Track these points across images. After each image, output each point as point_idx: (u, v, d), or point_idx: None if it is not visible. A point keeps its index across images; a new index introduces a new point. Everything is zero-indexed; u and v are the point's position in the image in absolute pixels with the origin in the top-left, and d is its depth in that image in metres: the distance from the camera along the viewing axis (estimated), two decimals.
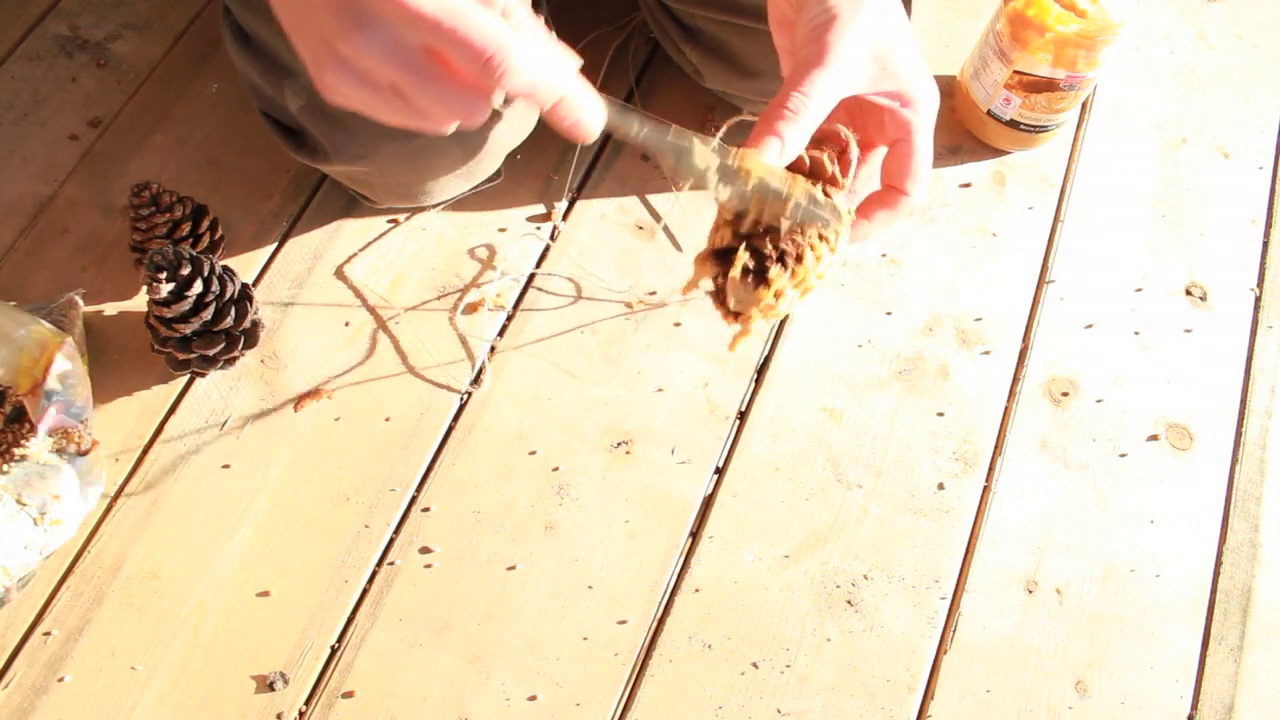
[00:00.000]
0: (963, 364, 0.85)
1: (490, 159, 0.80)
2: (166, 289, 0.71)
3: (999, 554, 0.78)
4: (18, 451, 0.69)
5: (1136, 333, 0.87)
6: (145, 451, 0.77)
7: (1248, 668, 0.76)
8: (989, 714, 0.73)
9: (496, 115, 0.76)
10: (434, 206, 0.87)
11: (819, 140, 0.51)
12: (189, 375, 0.79)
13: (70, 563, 0.73)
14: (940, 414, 0.82)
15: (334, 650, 0.72)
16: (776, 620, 0.75)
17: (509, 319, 0.84)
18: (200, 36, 0.94)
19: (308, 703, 0.70)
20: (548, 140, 0.89)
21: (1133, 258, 0.91)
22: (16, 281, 0.82)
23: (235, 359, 0.78)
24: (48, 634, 0.71)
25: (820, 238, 0.49)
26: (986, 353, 0.85)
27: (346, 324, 0.83)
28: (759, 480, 0.79)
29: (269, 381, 0.80)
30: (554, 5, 0.79)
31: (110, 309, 0.81)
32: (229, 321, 0.74)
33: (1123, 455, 0.82)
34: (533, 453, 0.79)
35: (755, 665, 0.73)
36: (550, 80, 0.44)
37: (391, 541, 0.75)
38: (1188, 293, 0.90)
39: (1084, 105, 0.98)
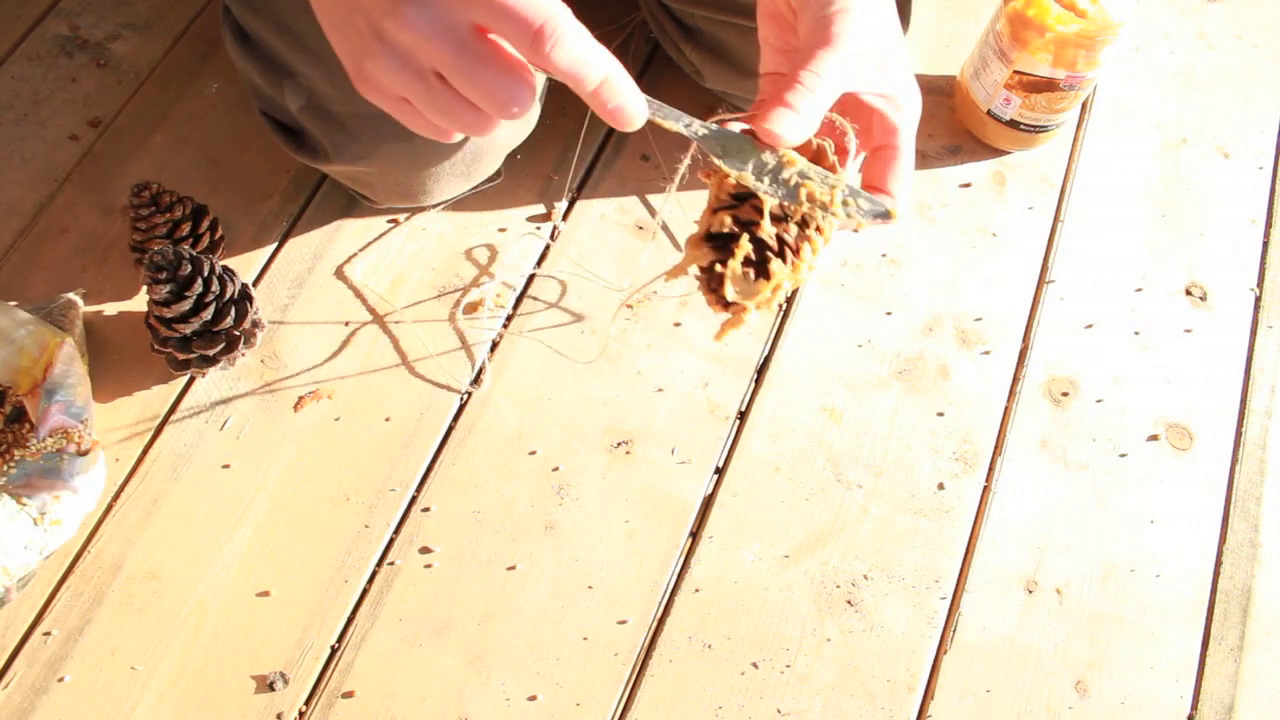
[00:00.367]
0: (963, 364, 0.85)
1: (490, 159, 0.80)
2: (165, 289, 0.71)
3: (999, 554, 0.78)
4: (18, 451, 0.69)
5: (1136, 333, 0.87)
6: (145, 452, 0.77)
7: (1248, 668, 0.76)
8: (989, 714, 0.73)
9: None
10: (434, 206, 0.87)
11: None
12: (189, 375, 0.79)
13: (70, 563, 0.73)
14: (940, 414, 0.82)
15: (334, 650, 0.72)
16: (776, 620, 0.75)
17: (509, 319, 0.84)
18: (200, 36, 0.94)
19: (308, 703, 0.70)
20: (548, 140, 0.89)
21: (1133, 258, 0.91)
22: (16, 281, 0.82)
23: (235, 359, 0.78)
24: (48, 634, 0.71)
25: (817, 229, 0.49)
26: (986, 353, 0.85)
27: (346, 324, 0.83)
28: (759, 480, 0.79)
29: (269, 382, 0.80)
30: None
31: (110, 309, 0.81)
32: (229, 321, 0.74)
33: (1123, 455, 0.82)
34: (533, 453, 0.79)
35: (755, 665, 0.73)
36: (597, 59, 0.43)
37: (391, 541, 0.75)
38: (1188, 293, 0.90)
39: (1084, 105, 0.98)
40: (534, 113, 0.81)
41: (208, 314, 0.73)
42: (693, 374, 0.82)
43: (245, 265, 0.84)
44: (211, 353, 0.75)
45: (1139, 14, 1.02)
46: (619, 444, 0.80)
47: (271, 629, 0.72)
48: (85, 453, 0.70)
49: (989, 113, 0.90)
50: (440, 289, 0.84)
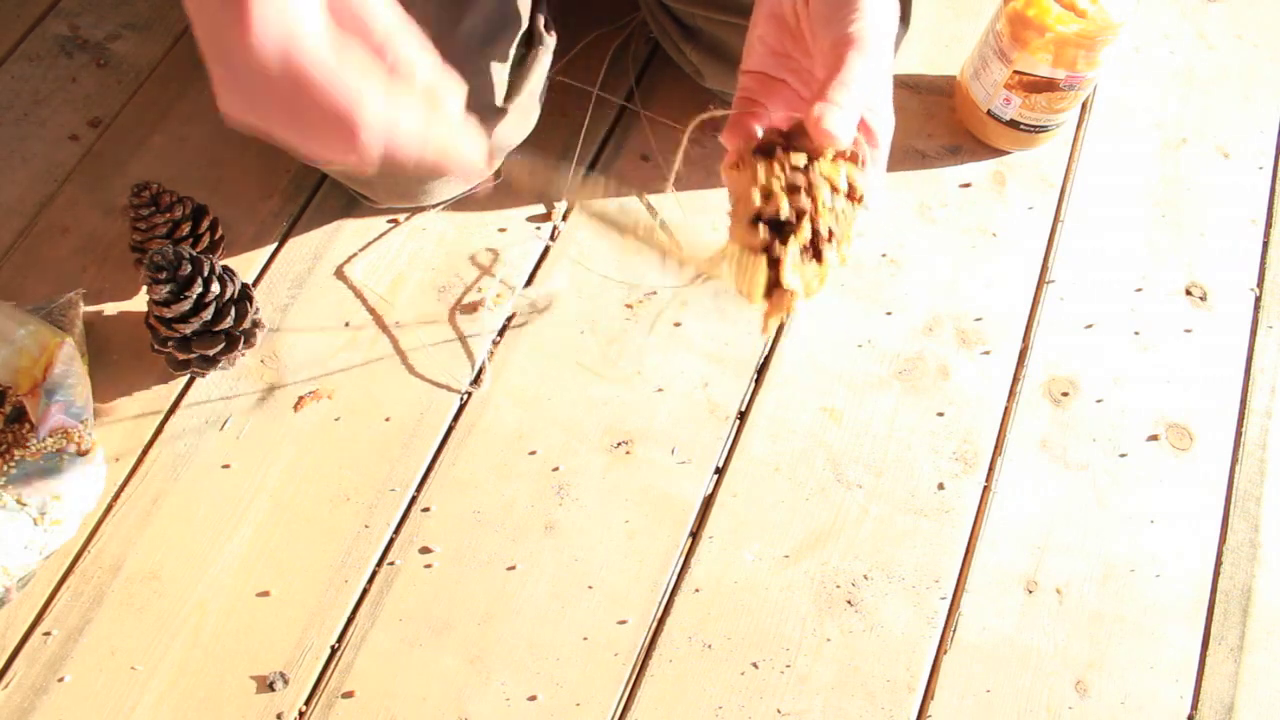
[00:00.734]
0: (963, 364, 0.85)
1: (490, 160, 0.80)
2: (165, 289, 0.71)
3: (999, 554, 0.78)
4: (18, 451, 0.69)
5: (1136, 333, 0.87)
6: (145, 451, 0.77)
7: (1248, 668, 0.76)
8: (989, 714, 0.73)
9: (500, 113, 0.76)
10: (434, 206, 0.87)
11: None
12: (189, 375, 0.79)
13: (70, 563, 0.73)
14: (940, 414, 0.82)
15: (334, 650, 0.72)
16: (776, 620, 0.75)
17: (509, 319, 0.84)
18: None
19: (308, 703, 0.70)
20: (548, 140, 0.89)
21: (1133, 258, 0.91)
22: (16, 281, 0.82)
23: (235, 359, 0.78)
24: (48, 634, 0.71)
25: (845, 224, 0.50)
26: (986, 353, 0.85)
27: (346, 324, 0.83)
28: (759, 480, 0.79)
29: (269, 382, 0.80)
30: (554, 5, 0.79)
31: (110, 309, 0.81)
32: (229, 321, 0.74)
33: (1123, 455, 0.82)
34: (533, 453, 0.79)
35: (755, 665, 0.73)
36: (411, 140, 0.45)
37: (391, 541, 0.75)
38: (1188, 293, 0.90)
39: (1084, 105, 0.98)
40: (533, 113, 0.81)
41: (208, 314, 0.73)
42: (693, 374, 0.82)
43: (245, 265, 0.84)
44: (211, 353, 0.75)
45: (1139, 14, 1.02)
46: (619, 444, 0.80)
47: (271, 629, 0.72)
48: (85, 453, 0.70)
49: (989, 113, 0.90)
50: (440, 289, 0.84)
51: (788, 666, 0.73)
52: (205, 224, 0.80)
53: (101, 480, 0.72)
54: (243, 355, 0.79)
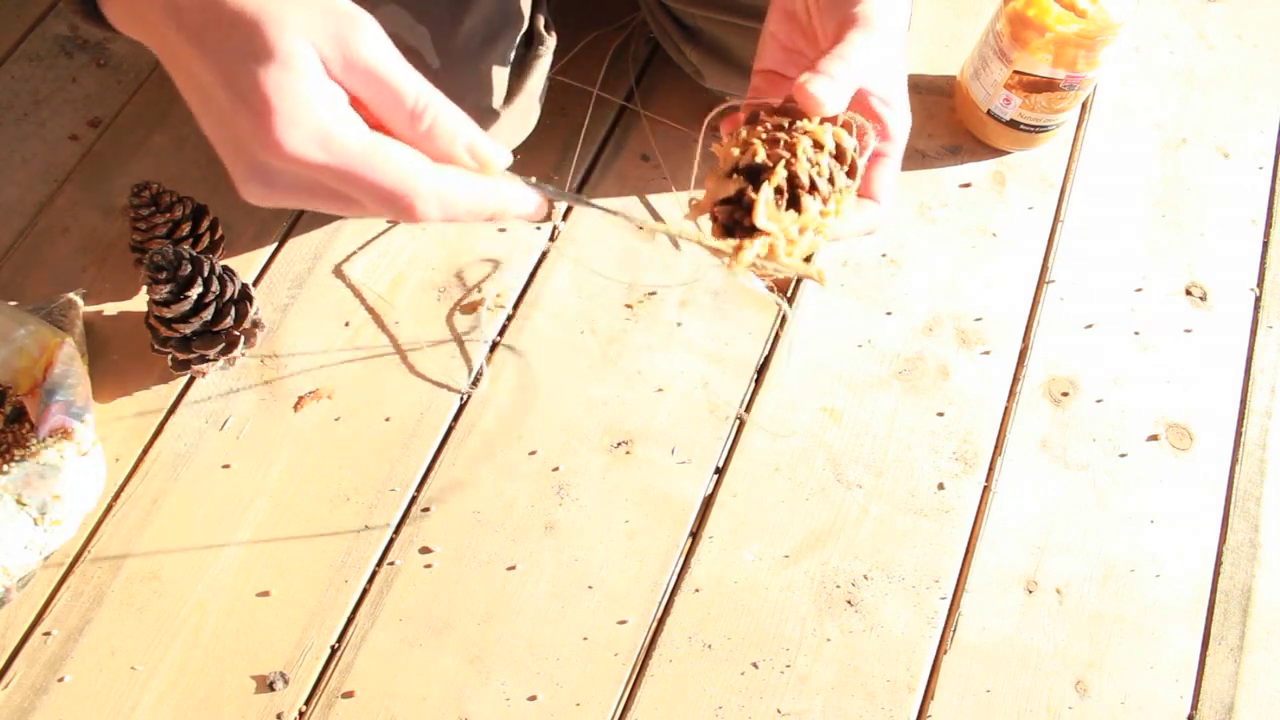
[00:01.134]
0: (963, 364, 0.85)
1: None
2: (165, 289, 0.71)
3: (999, 554, 0.78)
4: (18, 451, 0.69)
5: (1136, 333, 0.87)
6: (145, 452, 0.77)
7: (1248, 668, 0.76)
8: (989, 714, 0.73)
9: (495, 115, 0.76)
10: None
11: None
12: (189, 375, 0.79)
13: (70, 563, 0.73)
14: (940, 414, 0.82)
15: (334, 650, 0.72)
16: (776, 620, 0.75)
17: (508, 319, 0.84)
18: None
19: (308, 703, 0.70)
20: (548, 140, 0.89)
21: (1133, 258, 0.91)
22: (16, 281, 0.82)
23: (235, 359, 0.78)
24: (48, 634, 0.71)
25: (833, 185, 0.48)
26: (986, 353, 0.85)
27: (346, 324, 0.83)
28: (759, 480, 0.79)
29: (269, 381, 0.80)
30: (554, 5, 0.79)
31: (110, 309, 0.81)
32: (229, 321, 0.74)
33: (1123, 455, 0.82)
34: (533, 453, 0.79)
35: (755, 665, 0.73)
36: (470, 206, 0.43)
37: (391, 541, 0.75)
38: (1188, 293, 0.90)
39: (1084, 105, 0.98)
40: (533, 113, 0.81)
41: (208, 314, 0.73)
42: (693, 374, 0.82)
43: (245, 265, 0.84)
44: (211, 353, 0.75)
45: (1139, 14, 1.02)
46: (619, 444, 0.80)
47: (271, 629, 0.72)
48: (85, 453, 0.70)
49: (989, 113, 0.90)
50: (440, 289, 0.84)
51: (788, 666, 0.73)
52: (205, 224, 0.80)
53: (101, 480, 0.72)
54: (243, 355, 0.79)
